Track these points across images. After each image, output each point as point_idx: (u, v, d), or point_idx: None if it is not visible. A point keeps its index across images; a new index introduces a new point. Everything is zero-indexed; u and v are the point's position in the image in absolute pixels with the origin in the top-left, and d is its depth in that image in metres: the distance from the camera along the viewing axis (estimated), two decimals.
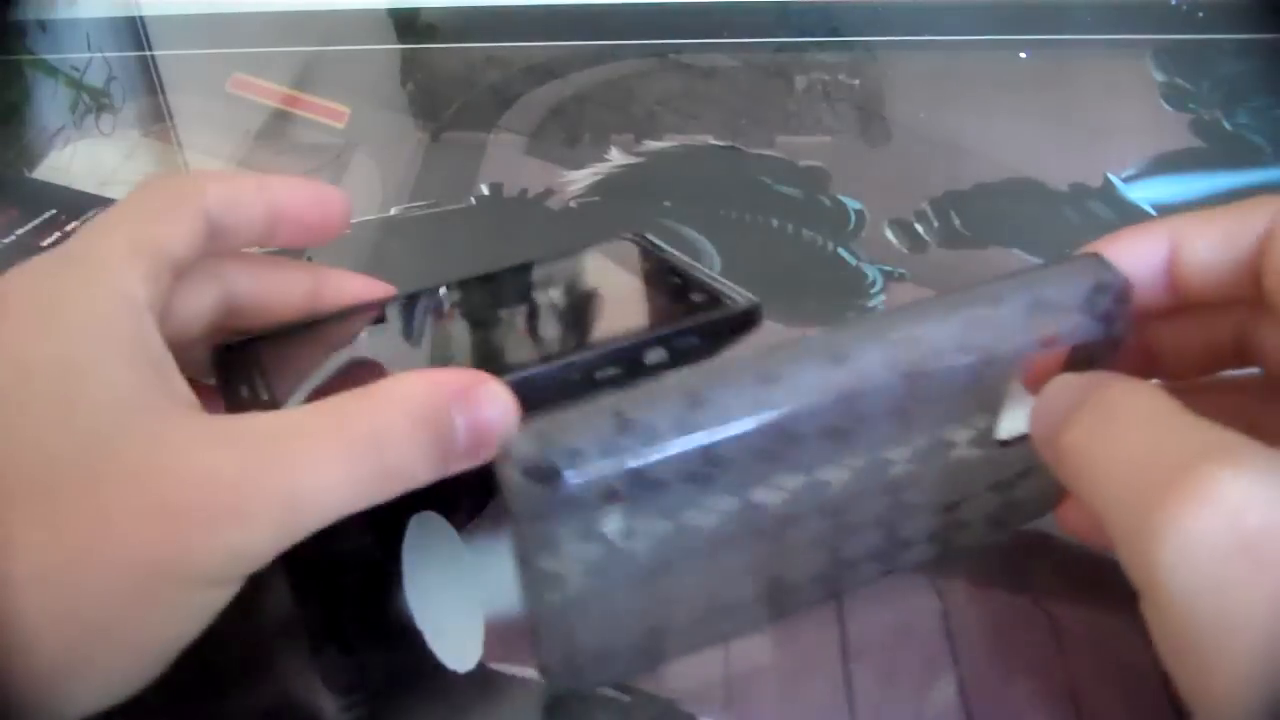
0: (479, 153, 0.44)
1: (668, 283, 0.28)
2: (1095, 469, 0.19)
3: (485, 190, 0.42)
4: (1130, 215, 0.39)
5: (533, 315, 0.29)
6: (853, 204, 0.40)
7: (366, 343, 0.27)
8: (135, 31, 0.53)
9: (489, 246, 0.38)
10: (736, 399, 0.20)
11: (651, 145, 0.44)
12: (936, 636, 0.25)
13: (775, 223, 0.40)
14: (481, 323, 0.28)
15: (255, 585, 0.20)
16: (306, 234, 0.26)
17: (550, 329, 0.28)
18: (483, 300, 0.29)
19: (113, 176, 0.44)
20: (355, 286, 0.28)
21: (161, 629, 0.19)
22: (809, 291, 0.36)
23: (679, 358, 0.26)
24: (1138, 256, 0.22)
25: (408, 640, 0.26)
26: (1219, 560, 0.16)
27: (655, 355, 0.26)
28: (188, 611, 0.19)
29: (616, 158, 0.44)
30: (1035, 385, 0.22)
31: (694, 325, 0.26)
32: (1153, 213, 0.40)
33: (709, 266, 0.37)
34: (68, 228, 0.35)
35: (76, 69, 0.51)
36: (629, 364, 0.25)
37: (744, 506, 0.22)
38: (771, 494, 0.22)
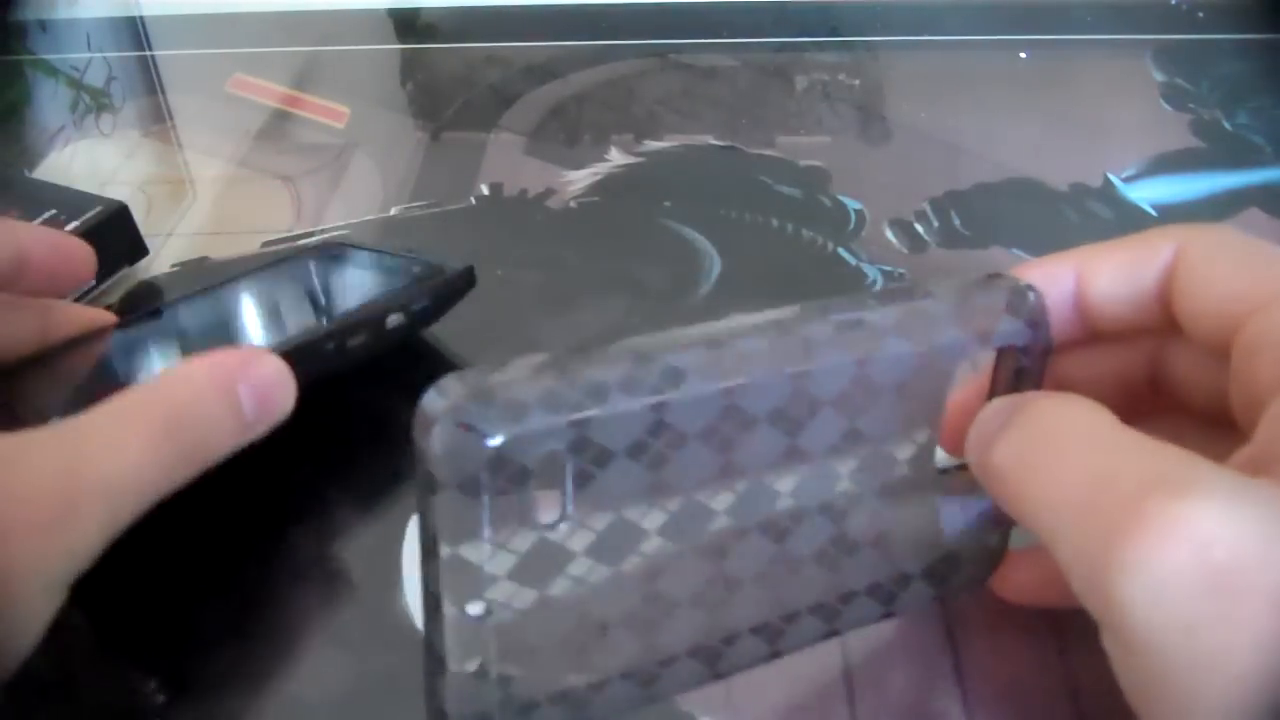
0: (479, 153, 0.44)
1: (385, 265, 0.32)
2: (1036, 494, 0.18)
3: (485, 190, 0.42)
4: (1130, 215, 0.39)
5: (267, 313, 0.32)
6: (853, 204, 0.40)
7: (105, 364, 0.29)
8: (135, 31, 0.53)
9: (489, 246, 0.38)
10: (687, 359, 0.19)
11: (651, 145, 0.44)
12: (937, 637, 0.25)
13: (775, 223, 0.40)
14: (208, 333, 0.31)
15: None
16: (50, 282, 0.29)
17: (280, 323, 0.32)
18: (203, 314, 0.31)
19: (113, 176, 0.44)
20: (84, 318, 0.29)
21: (3, 644, 0.20)
22: (809, 292, 0.36)
23: (415, 319, 0.30)
24: (1044, 288, 0.22)
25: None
26: (1189, 598, 0.15)
27: (395, 319, 0.29)
28: (26, 624, 0.20)
29: (616, 158, 0.44)
30: (964, 418, 0.22)
31: (421, 290, 0.30)
32: (1153, 213, 0.40)
33: (709, 266, 0.37)
34: (67, 227, 0.35)
35: (76, 69, 0.51)
36: (374, 328, 0.29)
37: (689, 507, 0.20)
38: (718, 496, 0.20)
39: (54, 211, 0.36)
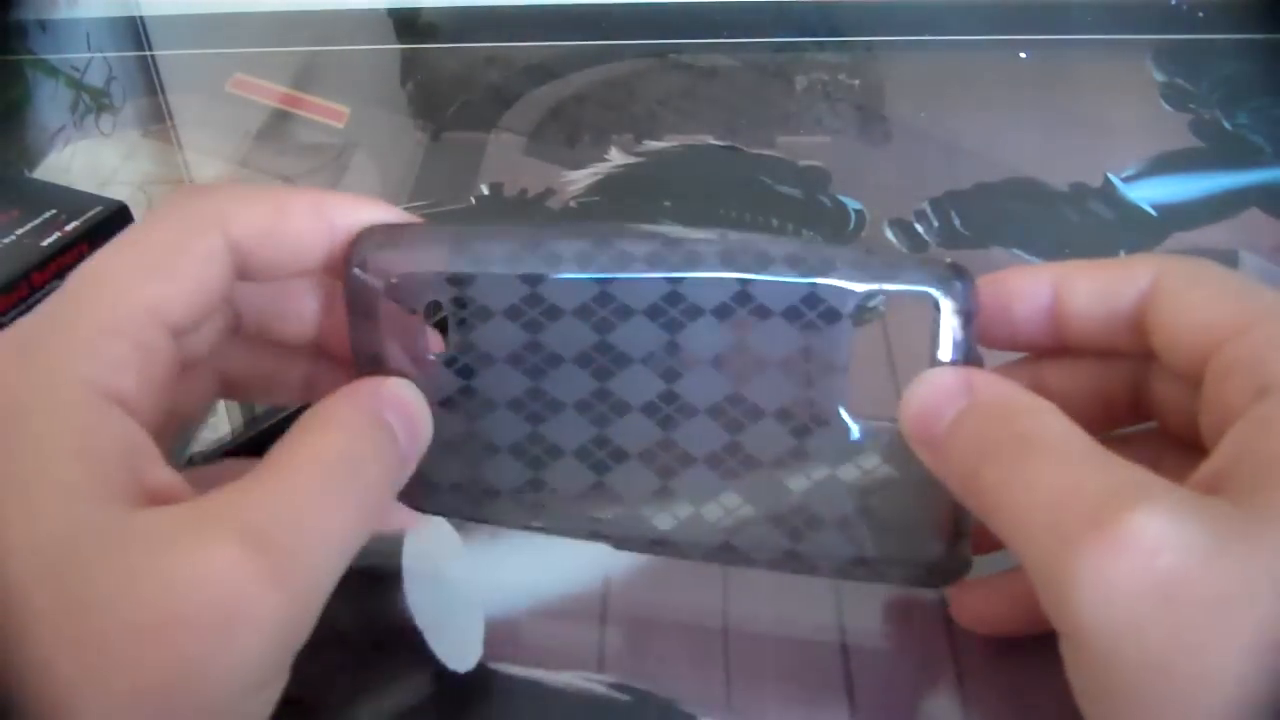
0: (479, 153, 0.44)
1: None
2: (1013, 505, 0.19)
3: (485, 190, 0.42)
4: (1130, 215, 0.39)
5: None
6: (853, 204, 0.40)
7: None
8: (135, 31, 0.53)
9: None
10: (571, 248, 0.22)
11: (651, 145, 0.44)
12: (938, 638, 0.25)
13: (775, 223, 0.40)
14: None
15: None
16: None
17: None
18: None
19: (113, 176, 0.44)
20: None
21: None
22: None
23: None
24: (1022, 294, 0.23)
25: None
26: (1137, 603, 0.16)
27: None
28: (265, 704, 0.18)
29: (616, 158, 0.44)
30: None
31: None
32: (1153, 213, 0.40)
33: None
34: (67, 227, 0.35)
35: (76, 69, 0.51)
36: None
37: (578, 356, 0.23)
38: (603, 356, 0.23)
39: (54, 211, 0.36)
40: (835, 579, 0.24)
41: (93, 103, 0.49)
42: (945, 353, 0.22)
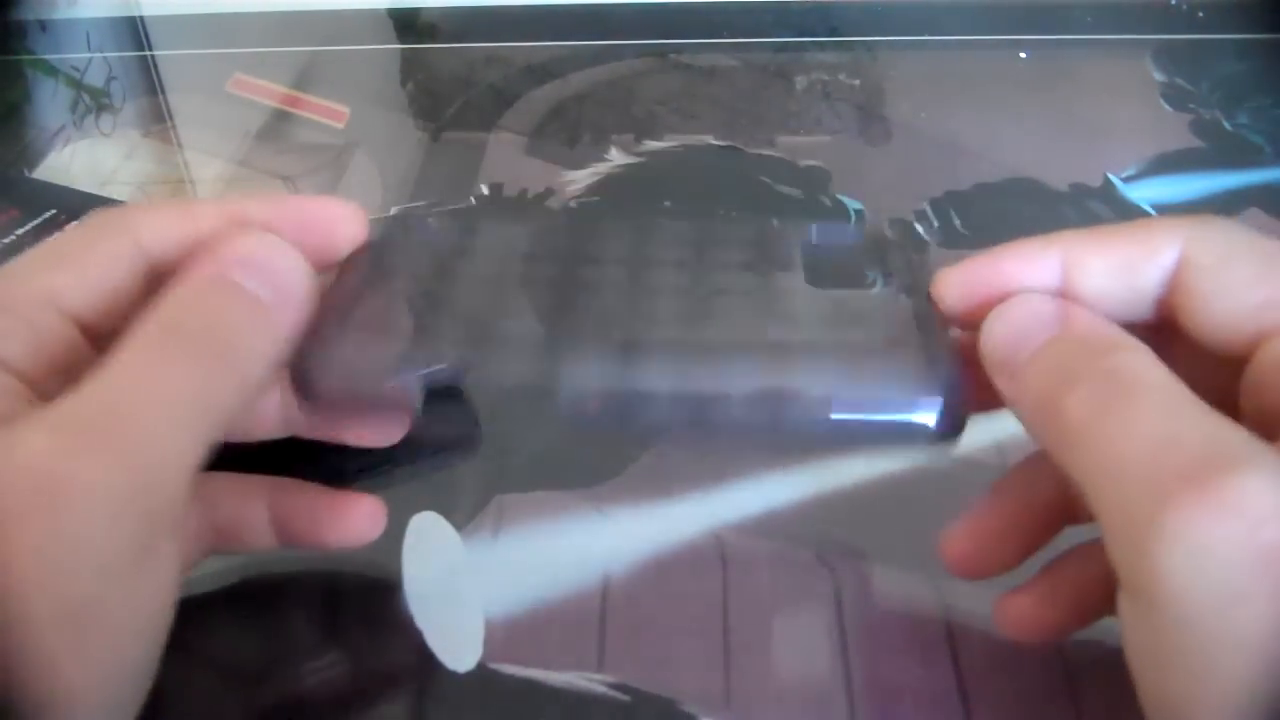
0: (479, 153, 0.44)
1: None
2: (1103, 447, 0.17)
3: (485, 190, 0.42)
4: (1130, 215, 0.39)
5: None
6: (853, 204, 0.40)
7: None
8: (135, 31, 0.53)
9: None
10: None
11: (651, 145, 0.44)
12: (938, 638, 0.25)
13: (775, 223, 0.40)
14: None
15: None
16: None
17: None
18: None
19: (113, 176, 0.44)
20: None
21: (87, 646, 0.17)
22: None
23: None
24: (1024, 277, 0.21)
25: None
26: (1235, 573, 0.15)
27: None
28: (109, 620, 0.17)
29: (616, 158, 0.44)
30: None
31: None
32: (1152, 213, 0.40)
33: None
34: (67, 227, 0.35)
35: (76, 69, 0.51)
36: None
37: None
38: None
39: (54, 211, 0.36)
40: (824, 445, 0.22)
41: (93, 103, 0.49)
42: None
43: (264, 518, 0.24)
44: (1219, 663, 0.15)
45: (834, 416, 0.21)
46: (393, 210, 0.41)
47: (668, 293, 0.22)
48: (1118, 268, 0.20)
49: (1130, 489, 0.17)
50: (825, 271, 0.23)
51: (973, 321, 0.21)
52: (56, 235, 0.22)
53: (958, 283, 0.22)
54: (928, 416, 0.21)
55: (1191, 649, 0.16)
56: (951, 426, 0.21)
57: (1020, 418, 0.20)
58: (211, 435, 0.19)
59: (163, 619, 0.19)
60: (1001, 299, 0.21)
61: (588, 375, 0.21)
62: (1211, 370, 0.20)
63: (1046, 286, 0.21)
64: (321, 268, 0.23)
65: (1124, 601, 0.17)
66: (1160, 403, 0.17)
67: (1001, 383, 0.20)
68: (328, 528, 0.24)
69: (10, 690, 0.16)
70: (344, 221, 0.23)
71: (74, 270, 0.21)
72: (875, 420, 0.21)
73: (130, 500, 0.17)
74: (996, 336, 0.20)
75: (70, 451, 0.17)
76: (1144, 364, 0.18)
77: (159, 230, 0.22)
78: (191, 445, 0.19)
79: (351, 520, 0.24)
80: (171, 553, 0.19)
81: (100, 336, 0.21)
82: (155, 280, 0.22)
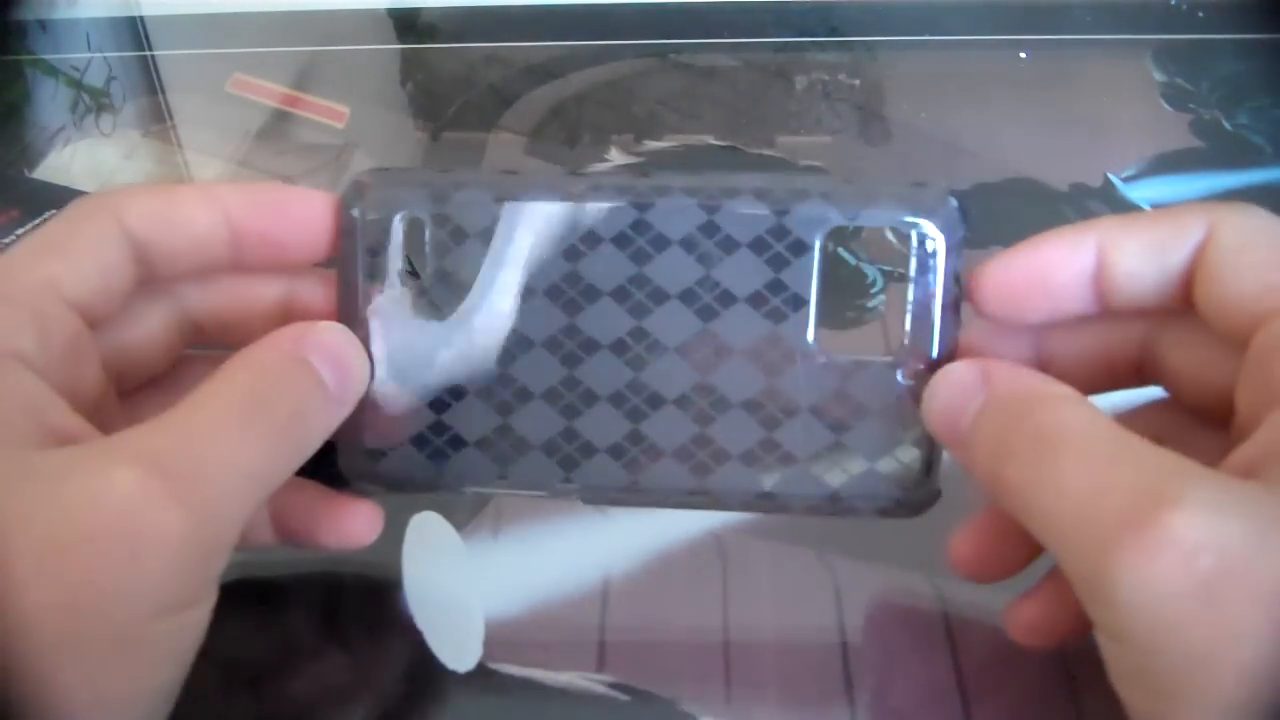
0: (479, 153, 0.44)
1: None
2: (1044, 507, 0.19)
3: None
4: None
5: None
6: None
7: None
8: (135, 31, 0.53)
9: None
10: (541, 183, 0.23)
11: (651, 145, 0.44)
12: (939, 639, 0.25)
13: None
14: None
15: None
16: (274, 253, 0.23)
17: None
18: None
19: (113, 176, 0.44)
20: (330, 284, 0.25)
21: (134, 669, 0.18)
22: None
23: None
24: (1063, 263, 0.21)
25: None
26: (1179, 601, 0.16)
27: None
28: (151, 649, 0.18)
29: (616, 158, 0.44)
30: None
31: None
32: None
33: None
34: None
35: (76, 69, 0.51)
36: None
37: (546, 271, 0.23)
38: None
39: (54, 211, 0.36)
40: (808, 516, 0.24)
41: (93, 103, 0.49)
42: (936, 290, 0.22)
43: (264, 514, 0.25)
44: (1186, 684, 0.16)
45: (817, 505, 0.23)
46: None
47: (670, 356, 0.23)
48: (1150, 248, 0.21)
49: (1076, 542, 0.18)
50: (842, 285, 0.24)
51: (1018, 313, 0.22)
52: (41, 226, 0.22)
53: (998, 277, 0.22)
54: (905, 507, 0.23)
55: (1160, 673, 0.17)
56: (926, 503, 0.23)
57: (984, 490, 0.21)
58: (264, 500, 0.20)
59: (196, 649, 0.20)
60: (1045, 289, 0.22)
61: (600, 489, 0.24)
62: (1216, 367, 0.21)
63: (1083, 271, 0.21)
64: (294, 255, 0.24)
65: (1099, 638, 0.18)
66: (1085, 453, 0.18)
67: (957, 458, 0.21)
68: (325, 529, 0.25)
69: (44, 707, 0.17)
70: (317, 211, 0.24)
71: (67, 257, 0.21)
72: (859, 506, 0.23)
73: (197, 554, 0.19)
74: (935, 415, 0.22)
75: (159, 502, 0.18)
76: (1066, 415, 0.19)
77: (142, 213, 0.22)
78: (250, 508, 0.20)
79: (348, 524, 0.25)
80: (214, 595, 0.20)
81: (96, 320, 0.22)
82: (143, 265, 0.22)
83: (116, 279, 0.22)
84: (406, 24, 0.54)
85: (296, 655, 0.26)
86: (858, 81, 0.48)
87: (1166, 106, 0.45)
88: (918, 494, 0.23)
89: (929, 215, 0.22)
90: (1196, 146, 0.43)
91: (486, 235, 0.23)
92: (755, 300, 0.23)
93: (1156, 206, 0.40)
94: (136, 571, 0.18)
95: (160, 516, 0.18)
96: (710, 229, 0.22)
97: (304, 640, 0.26)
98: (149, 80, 0.51)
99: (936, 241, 0.22)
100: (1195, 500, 0.17)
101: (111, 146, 0.47)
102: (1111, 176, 0.41)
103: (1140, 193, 0.40)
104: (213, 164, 0.45)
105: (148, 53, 0.52)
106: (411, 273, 0.24)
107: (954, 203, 0.22)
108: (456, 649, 0.25)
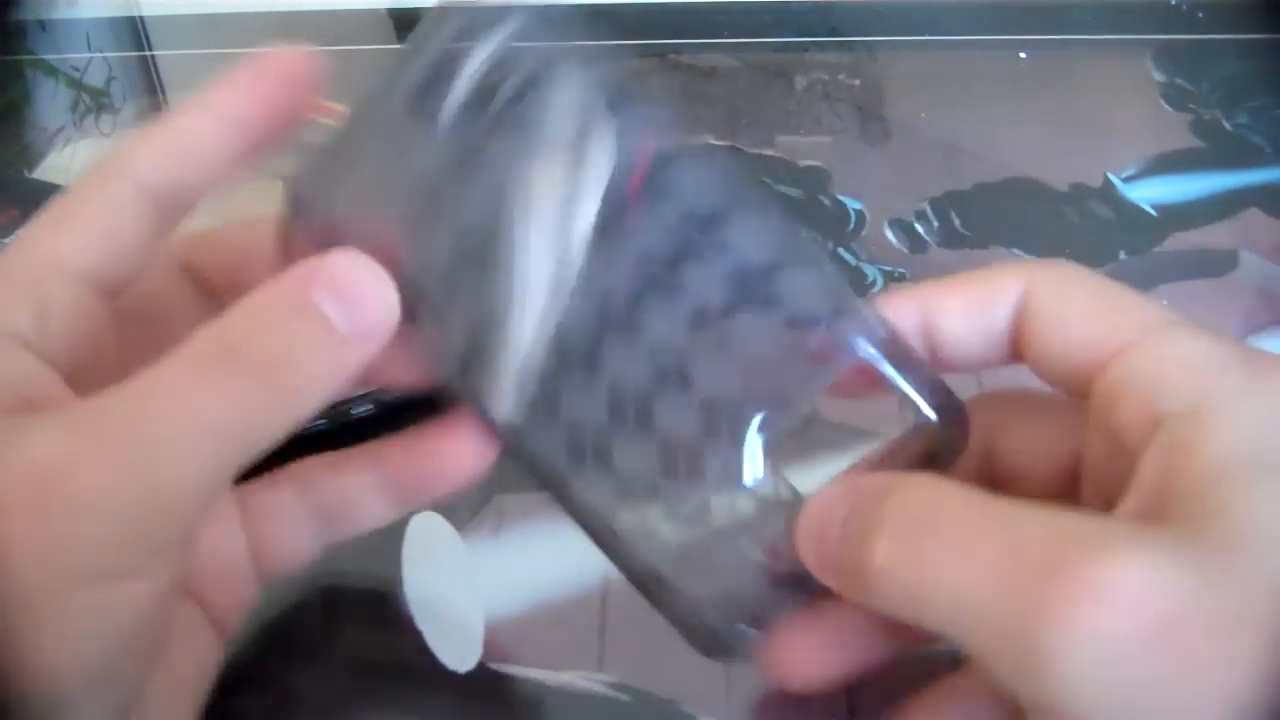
0: None
1: None
2: (935, 587, 0.17)
3: None
4: (1130, 215, 0.39)
5: None
6: (853, 204, 0.40)
7: None
8: (135, 31, 0.53)
9: None
10: None
11: None
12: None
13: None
14: None
15: None
16: (282, 127, 0.23)
17: None
18: None
19: None
20: None
21: (47, 640, 0.17)
22: None
23: (386, 409, 0.29)
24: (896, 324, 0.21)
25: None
26: (1139, 658, 0.15)
27: (361, 408, 0.29)
28: (73, 620, 0.17)
29: None
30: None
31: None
32: (1153, 213, 0.40)
33: None
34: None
35: (76, 69, 0.51)
36: (334, 414, 0.29)
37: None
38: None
39: None
40: (631, 584, 0.22)
41: (93, 103, 0.49)
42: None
43: (369, 488, 0.23)
44: None
45: None
46: None
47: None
48: (969, 313, 0.21)
49: (984, 615, 0.16)
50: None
51: (869, 390, 0.22)
52: (59, 196, 0.21)
53: None
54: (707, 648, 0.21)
55: None
56: (728, 652, 0.21)
57: (870, 607, 0.18)
58: (240, 462, 0.19)
59: (145, 629, 0.18)
60: None
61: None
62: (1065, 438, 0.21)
63: (911, 333, 0.21)
64: (290, 117, 0.23)
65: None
66: (969, 520, 0.17)
67: (834, 585, 0.19)
68: (442, 467, 0.22)
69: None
70: (305, 71, 0.23)
71: (78, 227, 0.20)
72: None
73: (134, 517, 0.17)
74: (804, 544, 0.20)
75: (76, 455, 0.17)
76: (931, 490, 0.18)
77: (154, 161, 0.21)
78: (214, 471, 0.18)
79: (463, 448, 0.22)
80: (168, 569, 0.18)
81: (113, 285, 0.21)
82: (164, 219, 0.21)
83: (131, 239, 0.21)
84: (406, 24, 0.54)
85: (296, 655, 0.26)
86: (858, 81, 0.48)
87: (1166, 106, 0.45)
88: (725, 639, 0.21)
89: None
90: (1196, 146, 0.43)
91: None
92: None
93: (1157, 207, 0.40)
94: (46, 535, 0.16)
95: (82, 477, 0.16)
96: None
97: (304, 640, 0.26)
98: (149, 80, 0.51)
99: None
100: (1120, 545, 0.15)
101: (111, 146, 0.47)
102: (1111, 176, 0.41)
103: (1140, 193, 0.40)
104: None
105: (148, 53, 0.52)
106: None
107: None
108: (456, 649, 0.25)
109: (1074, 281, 0.21)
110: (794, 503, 0.21)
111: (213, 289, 0.24)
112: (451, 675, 0.25)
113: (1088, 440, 0.20)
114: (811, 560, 0.20)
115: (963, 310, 0.21)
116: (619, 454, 0.21)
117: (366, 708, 0.25)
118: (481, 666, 0.25)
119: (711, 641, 0.21)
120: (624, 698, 0.25)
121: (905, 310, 0.21)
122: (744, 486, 0.21)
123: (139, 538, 0.17)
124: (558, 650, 0.26)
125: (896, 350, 0.21)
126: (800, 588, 0.21)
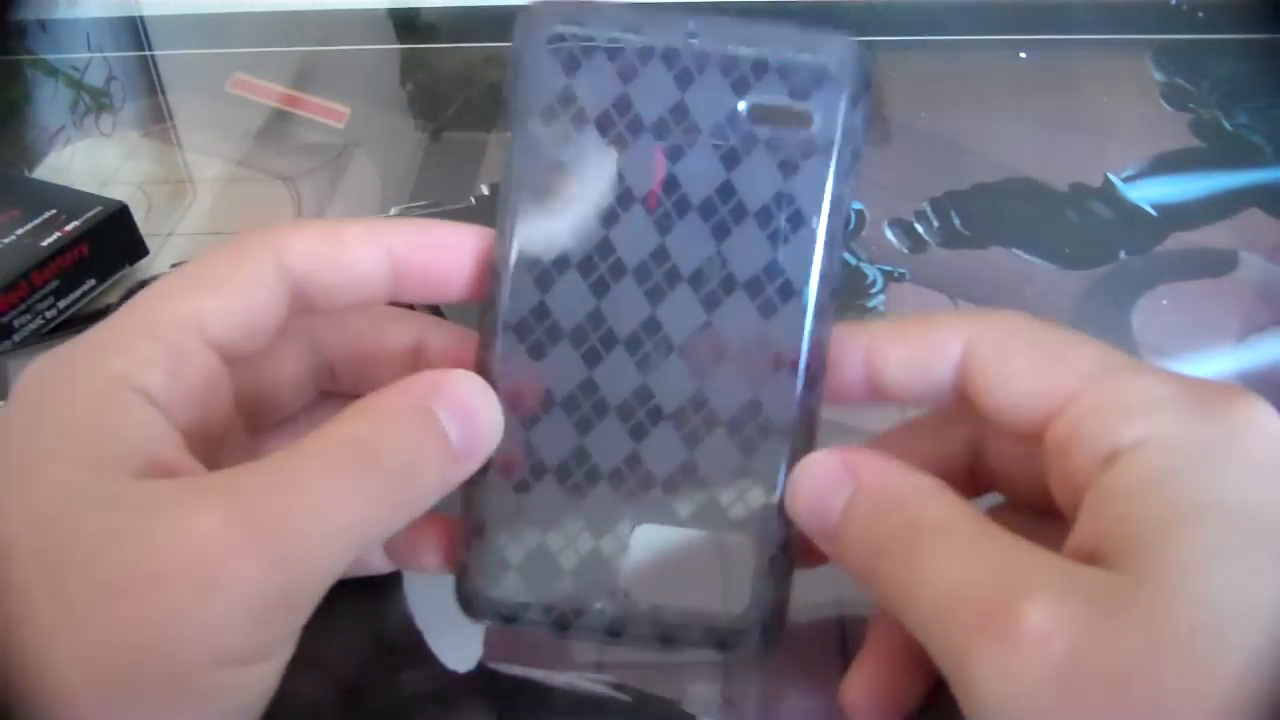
0: (479, 153, 0.44)
1: None
2: (914, 601, 0.19)
3: (485, 190, 0.42)
4: (1130, 215, 0.39)
5: None
6: (853, 204, 0.40)
7: None
8: (135, 31, 0.53)
9: None
10: None
11: None
12: None
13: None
14: None
15: None
16: (433, 289, 0.22)
17: None
18: None
19: (113, 176, 0.44)
20: (460, 338, 0.24)
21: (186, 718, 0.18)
22: None
23: None
24: (835, 363, 0.22)
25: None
26: (1035, 691, 0.16)
27: None
28: (211, 699, 0.18)
29: None
30: None
31: None
32: (1152, 213, 0.40)
33: None
34: (67, 227, 0.35)
35: (76, 69, 0.51)
36: None
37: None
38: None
39: (54, 211, 0.36)
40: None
41: (93, 103, 0.49)
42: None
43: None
44: None
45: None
46: (392, 211, 0.41)
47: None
48: (911, 363, 0.21)
49: (941, 638, 0.18)
50: None
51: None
52: (199, 257, 0.22)
53: None
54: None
55: None
56: (769, 644, 0.22)
57: (858, 585, 0.21)
58: (359, 555, 0.19)
59: (261, 707, 0.19)
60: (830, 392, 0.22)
61: None
62: (1031, 463, 0.21)
63: (854, 376, 0.22)
64: (450, 291, 0.22)
65: None
66: (947, 548, 0.19)
67: (824, 548, 0.21)
68: (423, 550, 0.23)
69: None
70: (468, 245, 0.22)
71: (219, 294, 0.21)
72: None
73: (272, 605, 0.18)
74: (800, 508, 0.21)
75: (236, 548, 0.17)
76: (932, 508, 0.19)
77: (304, 252, 0.21)
78: (342, 562, 0.19)
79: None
80: (288, 651, 0.19)
81: (237, 359, 0.21)
82: (300, 301, 0.22)
83: (265, 319, 0.21)
84: (406, 24, 0.54)
85: (296, 655, 0.26)
86: None
87: (1166, 106, 0.45)
88: (738, 628, 0.22)
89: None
90: (1196, 146, 0.43)
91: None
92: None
93: (1157, 206, 0.40)
94: (201, 616, 0.17)
95: (234, 563, 0.17)
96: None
97: (303, 640, 0.26)
98: (149, 80, 0.51)
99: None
100: (1044, 588, 0.17)
101: (111, 146, 0.47)
102: (1111, 176, 0.41)
103: (1140, 193, 0.40)
104: (213, 164, 0.45)
105: (148, 53, 0.52)
106: None
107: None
108: (456, 649, 0.25)
109: (1015, 334, 0.21)
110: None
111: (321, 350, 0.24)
112: (451, 675, 0.25)
113: (1050, 484, 0.20)
114: (805, 528, 0.21)
115: (905, 359, 0.21)
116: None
117: (366, 707, 0.25)
118: (481, 666, 0.25)
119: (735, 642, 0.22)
120: (624, 698, 0.25)
121: (850, 351, 0.22)
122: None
123: (278, 625, 0.18)
124: (558, 650, 0.26)
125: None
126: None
